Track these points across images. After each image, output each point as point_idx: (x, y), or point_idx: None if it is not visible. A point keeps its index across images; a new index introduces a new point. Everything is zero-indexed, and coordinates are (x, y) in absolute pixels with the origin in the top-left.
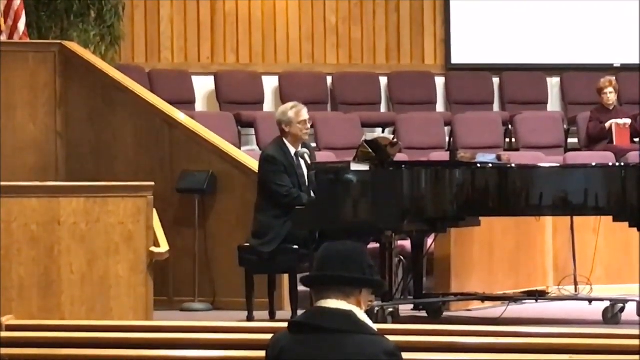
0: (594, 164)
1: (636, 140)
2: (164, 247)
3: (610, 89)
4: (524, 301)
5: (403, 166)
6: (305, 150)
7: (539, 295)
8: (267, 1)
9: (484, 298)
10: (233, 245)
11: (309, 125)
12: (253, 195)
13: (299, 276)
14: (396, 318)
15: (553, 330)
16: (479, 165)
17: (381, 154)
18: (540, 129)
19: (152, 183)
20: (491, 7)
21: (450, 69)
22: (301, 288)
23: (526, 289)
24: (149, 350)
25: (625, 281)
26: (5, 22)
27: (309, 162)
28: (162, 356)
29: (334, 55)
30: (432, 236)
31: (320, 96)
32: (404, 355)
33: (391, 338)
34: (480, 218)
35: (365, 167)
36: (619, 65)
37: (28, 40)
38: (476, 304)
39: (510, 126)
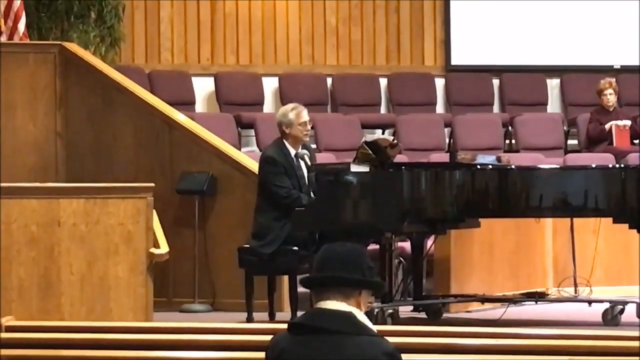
0: (593, 165)
1: (636, 141)
2: (163, 248)
3: (610, 91)
4: (523, 303)
5: (403, 167)
6: (305, 151)
7: (538, 297)
8: (267, 2)
9: (483, 299)
10: (233, 247)
11: (309, 127)
12: (253, 197)
13: (298, 277)
14: (396, 319)
15: (553, 331)
16: (478, 166)
17: (381, 155)
18: (540, 130)
19: (152, 184)
20: (491, 8)
21: (450, 71)
22: (301, 289)
23: (526, 291)
24: (148, 351)
25: (625, 283)
26: (5, 23)
27: (309, 163)
28: (162, 357)
29: (334, 57)
30: (432, 237)
31: (320, 97)
32: (404, 356)
33: (391, 339)
34: (480, 219)
35: (365, 169)
36: (619, 66)
37: (28, 41)
38: (476, 306)
39: (510, 128)
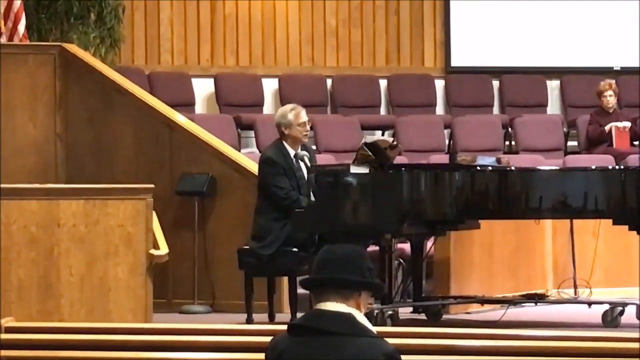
0: (593, 167)
1: (636, 143)
2: (163, 249)
3: (610, 92)
4: (523, 304)
5: (403, 169)
6: (305, 152)
7: (538, 298)
8: (267, 2)
9: (483, 301)
10: (232, 248)
11: (308, 127)
12: (252, 198)
13: (298, 279)
14: (395, 321)
15: (552, 333)
16: (478, 168)
17: (381, 156)
18: (540, 131)
19: (152, 185)
20: (491, 9)
21: (450, 72)
22: (300, 291)
23: (525, 292)
24: (148, 352)
25: (625, 284)
26: (5, 24)
27: (309, 164)
28: (161, 358)
29: (333, 58)
30: (432, 239)
31: (319, 99)
32: (404, 357)
33: (390, 341)
34: (480, 221)
35: (364, 170)
36: (618, 68)
37: (28, 42)
38: (475, 307)
39: (510, 129)
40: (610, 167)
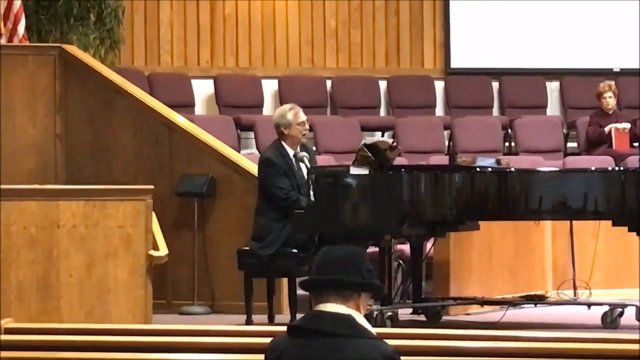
0: (593, 168)
1: (635, 144)
2: (163, 250)
3: (610, 94)
4: (523, 305)
5: (402, 170)
6: (304, 153)
7: (538, 300)
8: (266, 3)
9: (483, 302)
10: (232, 249)
11: (307, 127)
12: (252, 199)
13: (298, 280)
14: (395, 322)
15: (552, 334)
16: (478, 169)
17: (380, 157)
18: (539, 133)
19: (152, 186)
20: (491, 11)
21: (450, 73)
22: (300, 292)
23: (525, 293)
24: (147, 353)
25: (624, 285)
26: (5, 25)
27: (309, 165)
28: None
29: (333, 59)
30: (431, 240)
31: (319, 100)
32: (403, 359)
33: (390, 342)
34: (480, 222)
35: (364, 171)
36: (618, 69)
37: (28, 43)
38: (475, 308)
39: (509, 130)
40: (609, 168)
